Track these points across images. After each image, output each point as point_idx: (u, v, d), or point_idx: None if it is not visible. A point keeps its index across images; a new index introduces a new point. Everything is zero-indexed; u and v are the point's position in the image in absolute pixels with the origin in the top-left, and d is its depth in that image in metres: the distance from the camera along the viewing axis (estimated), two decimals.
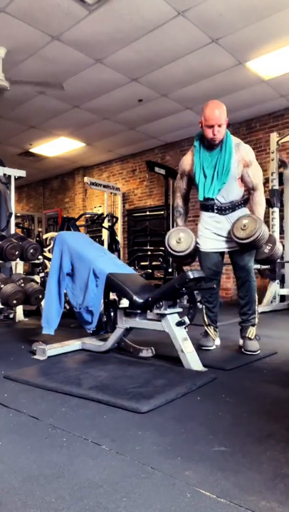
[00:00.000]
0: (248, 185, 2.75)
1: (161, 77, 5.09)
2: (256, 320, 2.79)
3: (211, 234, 2.79)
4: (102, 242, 7.42)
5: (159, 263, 7.25)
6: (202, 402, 1.77)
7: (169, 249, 2.88)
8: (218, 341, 2.94)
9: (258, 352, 2.66)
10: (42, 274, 4.66)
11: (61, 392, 1.90)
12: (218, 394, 1.87)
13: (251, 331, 2.74)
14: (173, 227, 2.67)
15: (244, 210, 2.78)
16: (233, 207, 2.75)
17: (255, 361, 2.50)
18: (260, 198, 2.75)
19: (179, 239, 2.84)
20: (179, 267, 3.38)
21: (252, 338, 2.72)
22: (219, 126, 2.57)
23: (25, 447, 1.34)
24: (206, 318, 2.88)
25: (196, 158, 2.73)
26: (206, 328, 2.88)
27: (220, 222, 2.76)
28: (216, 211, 2.77)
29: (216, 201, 2.74)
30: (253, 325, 2.76)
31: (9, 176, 4.72)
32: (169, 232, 2.94)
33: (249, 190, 2.78)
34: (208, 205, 2.78)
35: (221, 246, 2.78)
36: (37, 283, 4.03)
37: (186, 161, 2.82)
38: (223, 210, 2.76)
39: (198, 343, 2.75)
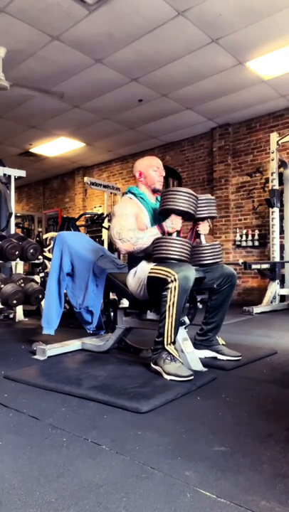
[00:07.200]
0: None
1: (161, 77, 5.09)
2: None
3: None
4: (102, 242, 7.41)
5: None
6: (202, 402, 1.77)
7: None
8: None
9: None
10: (42, 274, 4.66)
11: (61, 392, 1.90)
12: (218, 394, 1.87)
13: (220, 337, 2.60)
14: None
15: None
16: None
17: (255, 361, 2.50)
18: None
19: None
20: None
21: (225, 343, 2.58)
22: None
23: (25, 447, 1.34)
24: (173, 334, 2.13)
25: (147, 207, 2.53)
26: (168, 347, 2.13)
27: None
28: None
29: None
30: None
31: (9, 176, 4.72)
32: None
33: None
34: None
35: None
36: (37, 283, 4.03)
37: (136, 207, 2.50)
38: None
39: (166, 372, 2.06)
